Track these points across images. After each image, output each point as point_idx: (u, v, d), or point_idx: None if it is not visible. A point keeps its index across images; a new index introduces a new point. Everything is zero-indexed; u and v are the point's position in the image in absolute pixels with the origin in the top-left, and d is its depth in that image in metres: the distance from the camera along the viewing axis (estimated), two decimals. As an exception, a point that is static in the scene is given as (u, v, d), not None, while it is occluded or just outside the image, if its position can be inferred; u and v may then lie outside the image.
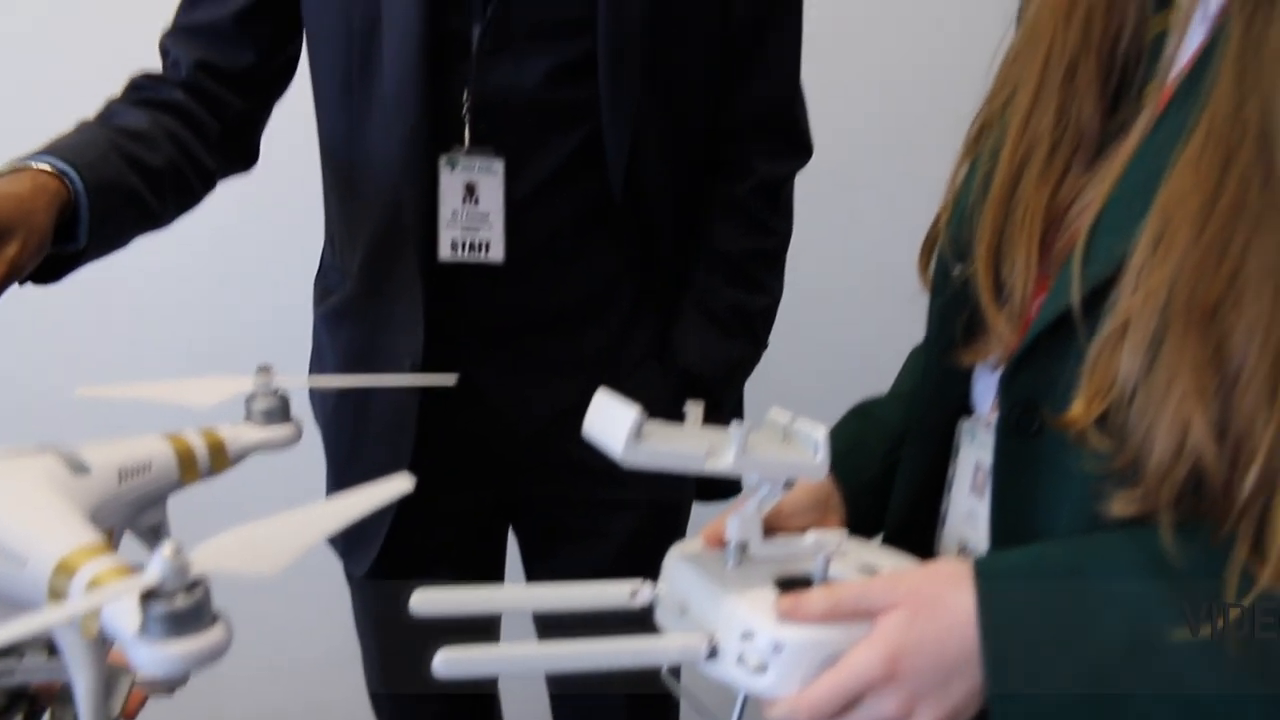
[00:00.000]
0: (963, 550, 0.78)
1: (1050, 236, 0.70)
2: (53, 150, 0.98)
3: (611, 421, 0.63)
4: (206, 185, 1.17)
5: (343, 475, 1.28)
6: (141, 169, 1.05)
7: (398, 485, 0.64)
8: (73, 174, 0.95)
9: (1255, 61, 0.59)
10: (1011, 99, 0.74)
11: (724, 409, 1.29)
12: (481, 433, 1.21)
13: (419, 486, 1.16)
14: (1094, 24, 0.70)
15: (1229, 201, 0.59)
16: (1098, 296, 0.64)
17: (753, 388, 1.34)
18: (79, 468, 0.72)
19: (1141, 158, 0.66)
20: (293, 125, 1.26)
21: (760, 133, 1.25)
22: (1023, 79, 0.73)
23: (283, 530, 0.58)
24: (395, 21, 1.10)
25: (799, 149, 1.29)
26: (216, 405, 0.81)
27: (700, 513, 1.24)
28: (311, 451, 1.21)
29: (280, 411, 0.83)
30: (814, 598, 0.65)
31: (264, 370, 0.84)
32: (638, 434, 0.62)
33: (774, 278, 1.30)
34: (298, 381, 0.87)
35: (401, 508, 1.16)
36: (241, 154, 1.23)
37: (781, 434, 0.69)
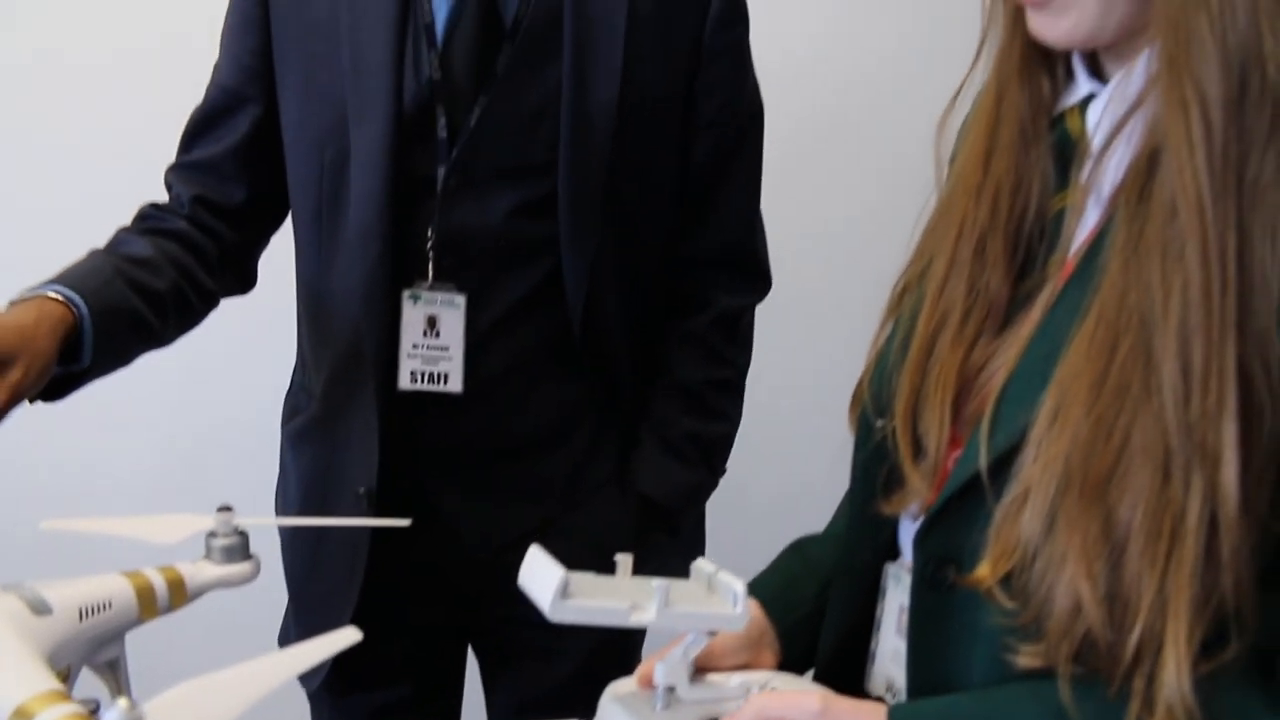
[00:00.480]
0: (890, 690, 0.82)
1: (963, 398, 0.75)
2: (61, 279, 1.06)
3: (541, 579, 0.68)
4: (207, 305, 1.24)
5: (300, 592, 1.31)
6: (145, 292, 1.12)
7: (345, 636, 0.67)
8: (78, 300, 1.03)
9: (1136, 255, 0.64)
10: (929, 267, 0.80)
11: (681, 532, 1.33)
12: (438, 557, 1.25)
13: (375, 602, 1.20)
14: (1001, 202, 0.76)
15: (1115, 382, 0.64)
16: (1003, 463, 0.69)
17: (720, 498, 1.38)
18: (40, 608, 0.75)
19: (1044, 331, 0.72)
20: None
21: (719, 268, 1.30)
22: (939, 249, 0.79)
23: (233, 683, 0.62)
24: (363, 160, 1.16)
25: (758, 281, 1.34)
26: (178, 543, 0.84)
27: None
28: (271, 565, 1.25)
29: (240, 549, 0.87)
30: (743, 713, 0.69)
31: (225, 510, 0.87)
32: (564, 593, 0.66)
33: (732, 405, 1.35)
34: (258, 520, 0.91)
35: (357, 622, 1.19)
36: (239, 278, 1.30)
37: (706, 584, 0.74)
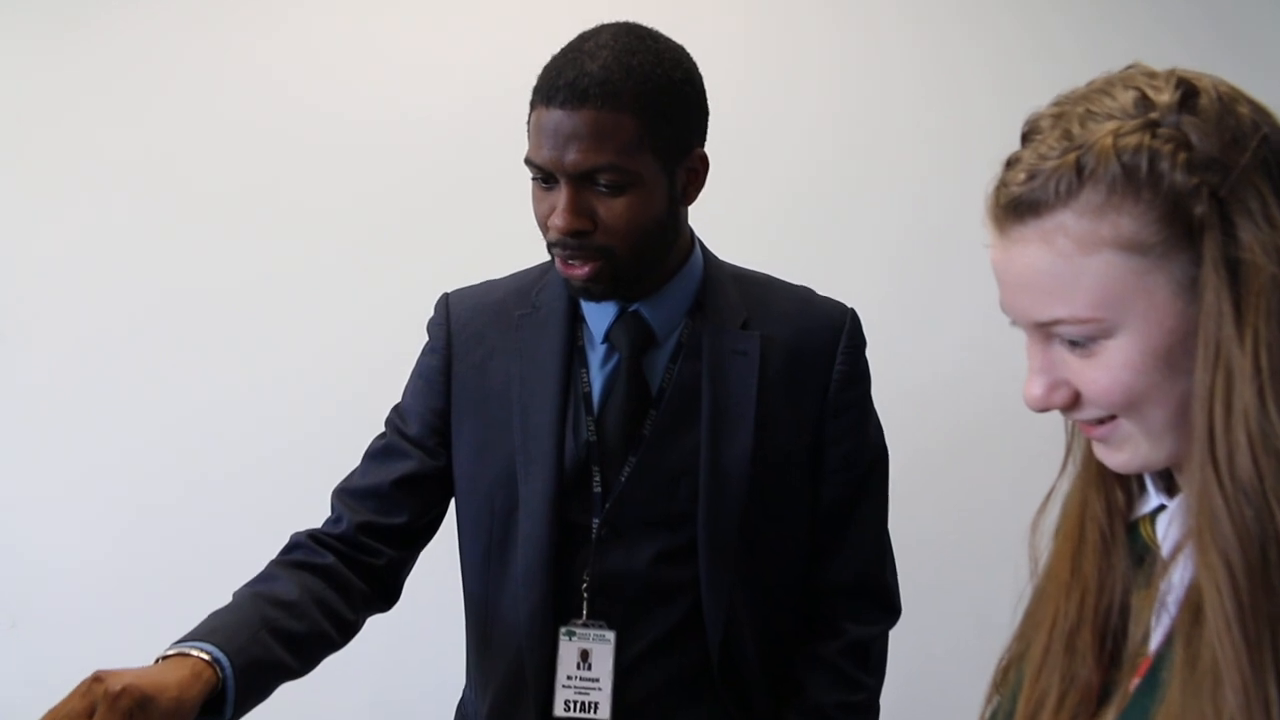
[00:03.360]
0: None
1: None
2: (212, 633, 1.17)
3: None
4: (346, 636, 1.35)
5: None
6: (287, 639, 1.23)
7: None
8: (225, 662, 1.14)
9: (1192, 679, 0.73)
10: (1027, 650, 0.89)
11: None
12: None
13: None
14: (1088, 599, 0.86)
15: None
16: None
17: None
18: None
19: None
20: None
21: (850, 597, 1.40)
22: (1035, 636, 0.89)
23: None
24: (530, 511, 1.32)
25: (887, 611, 1.44)
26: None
27: None
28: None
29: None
30: None
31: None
32: None
33: None
34: None
35: None
36: (385, 596, 1.42)
37: None
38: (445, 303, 1.44)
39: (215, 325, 2.38)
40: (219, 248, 2.38)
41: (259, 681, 1.19)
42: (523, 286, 1.42)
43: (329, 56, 2.37)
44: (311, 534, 1.39)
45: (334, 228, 2.37)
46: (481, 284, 1.46)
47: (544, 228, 1.28)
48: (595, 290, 1.29)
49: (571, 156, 1.21)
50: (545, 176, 1.25)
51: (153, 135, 2.37)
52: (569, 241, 1.25)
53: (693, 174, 1.31)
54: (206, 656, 1.13)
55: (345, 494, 1.42)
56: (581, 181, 1.23)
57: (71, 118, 2.39)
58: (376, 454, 1.43)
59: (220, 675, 1.14)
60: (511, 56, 2.16)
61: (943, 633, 2.17)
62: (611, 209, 1.24)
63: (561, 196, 1.23)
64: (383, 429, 1.45)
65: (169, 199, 2.38)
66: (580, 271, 1.26)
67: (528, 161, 1.26)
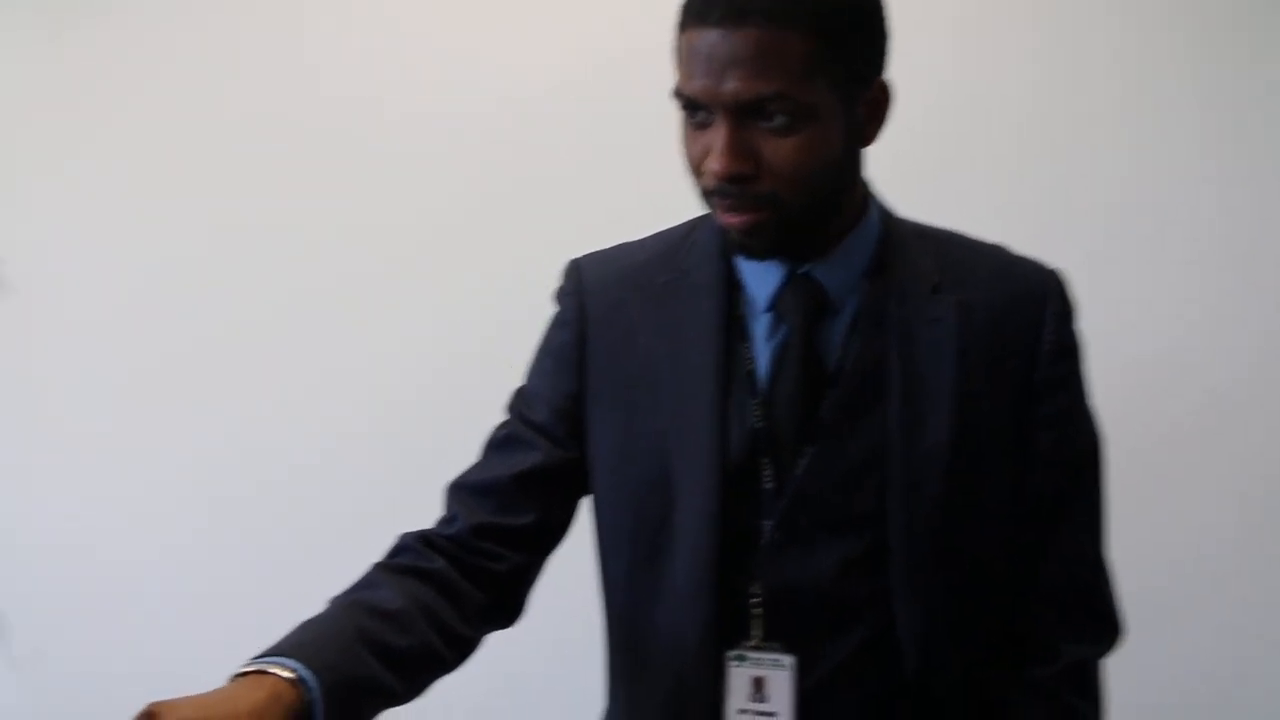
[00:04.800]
0: None
1: None
2: (297, 646, 1.00)
3: None
4: (461, 654, 1.16)
5: None
6: (387, 655, 1.05)
7: None
8: (311, 681, 0.97)
9: None
10: None
11: None
12: None
13: None
14: None
15: None
16: None
17: None
18: None
19: None
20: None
21: (1063, 610, 1.18)
22: None
23: None
24: (688, 513, 1.12)
25: (1107, 628, 1.21)
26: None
27: None
28: None
29: None
30: None
31: None
32: None
33: None
34: None
35: None
36: (507, 609, 1.23)
37: None
38: (576, 269, 1.25)
39: (296, 319, 2.30)
40: (294, 245, 2.30)
41: (353, 704, 1.01)
42: (667, 249, 1.22)
43: (398, 49, 2.27)
44: (421, 535, 1.19)
45: (412, 225, 2.27)
46: (616, 247, 1.26)
47: (696, 172, 1.08)
48: (756, 245, 1.09)
49: (731, 85, 1.01)
50: (698, 111, 1.05)
51: (221, 135, 2.30)
52: (728, 189, 1.05)
53: (874, 108, 1.10)
54: (289, 675, 0.96)
55: (461, 490, 1.22)
56: (743, 116, 1.03)
57: (148, 116, 2.32)
58: (497, 445, 1.24)
59: (305, 697, 0.96)
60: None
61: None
62: (779, 149, 1.03)
63: (719, 134, 1.03)
64: (505, 417, 1.26)
65: (239, 201, 2.30)
66: (737, 221, 1.07)
67: (677, 94, 1.06)
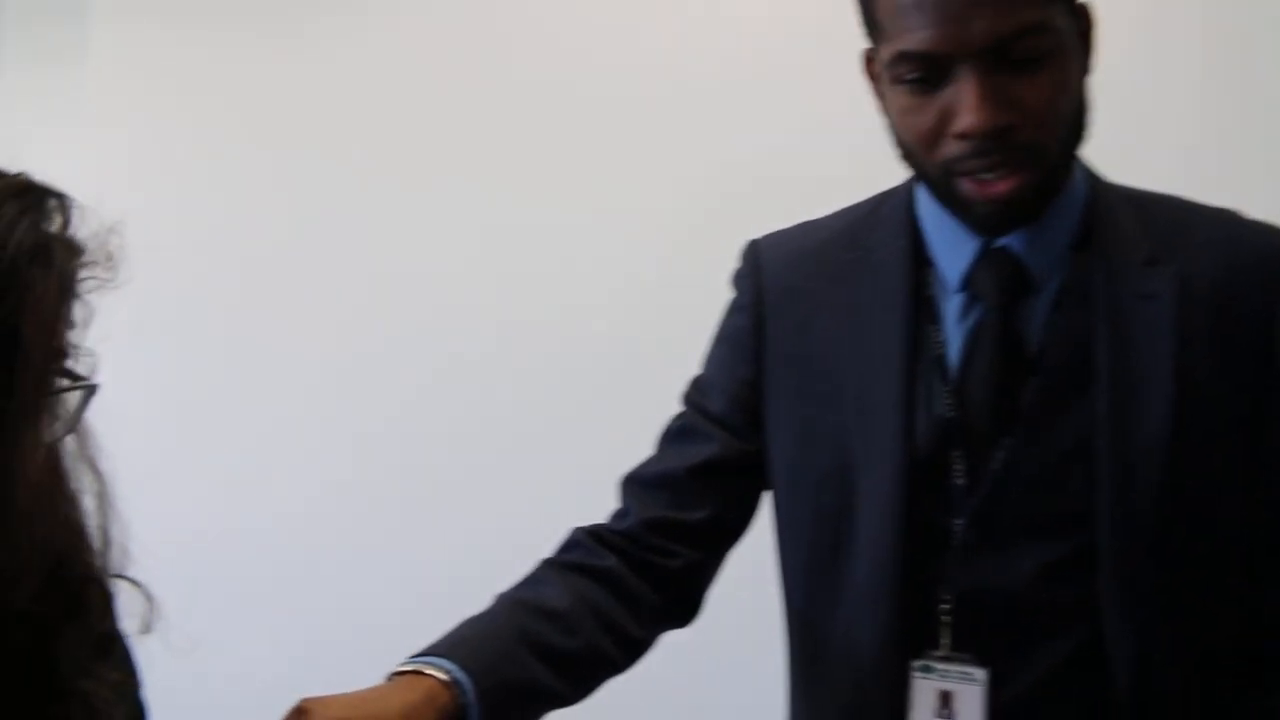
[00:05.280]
0: None
1: None
2: (455, 646, 0.97)
3: None
4: (632, 655, 1.11)
5: None
6: (550, 656, 1.01)
7: None
8: (466, 684, 0.94)
9: None
10: None
11: None
12: None
13: None
14: None
15: None
16: None
17: None
18: None
19: None
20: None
21: None
22: None
23: None
24: (870, 510, 1.04)
25: None
26: None
27: None
28: None
29: None
30: None
31: None
32: None
33: None
34: None
35: None
36: (682, 608, 1.17)
37: None
38: (754, 250, 1.17)
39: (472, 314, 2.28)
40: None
41: (511, 707, 0.97)
42: (849, 226, 1.13)
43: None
44: (593, 530, 1.14)
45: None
46: (796, 226, 1.18)
47: (929, 144, 0.98)
48: (1024, 211, 0.99)
49: (981, 24, 0.92)
50: (927, 73, 0.95)
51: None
52: (986, 146, 0.95)
53: (1086, 36, 0.99)
54: (444, 676, 0.93)
55: (635, 483, 1.17)
56: (992, 59, 0.93)
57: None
58: (672, 436, 1.18)
59: (460, 700, 0.93)
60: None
61: None
62: (1036, 90, 0.94)
63: (966, 88, 0.93)
64: (681, 407, 1.19)
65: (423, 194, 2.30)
66: (1003, 187, 0.96)
67: (901, 57, 0.96)
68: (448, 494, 2.26)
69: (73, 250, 0.75)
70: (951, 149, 0.96)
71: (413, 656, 0.96)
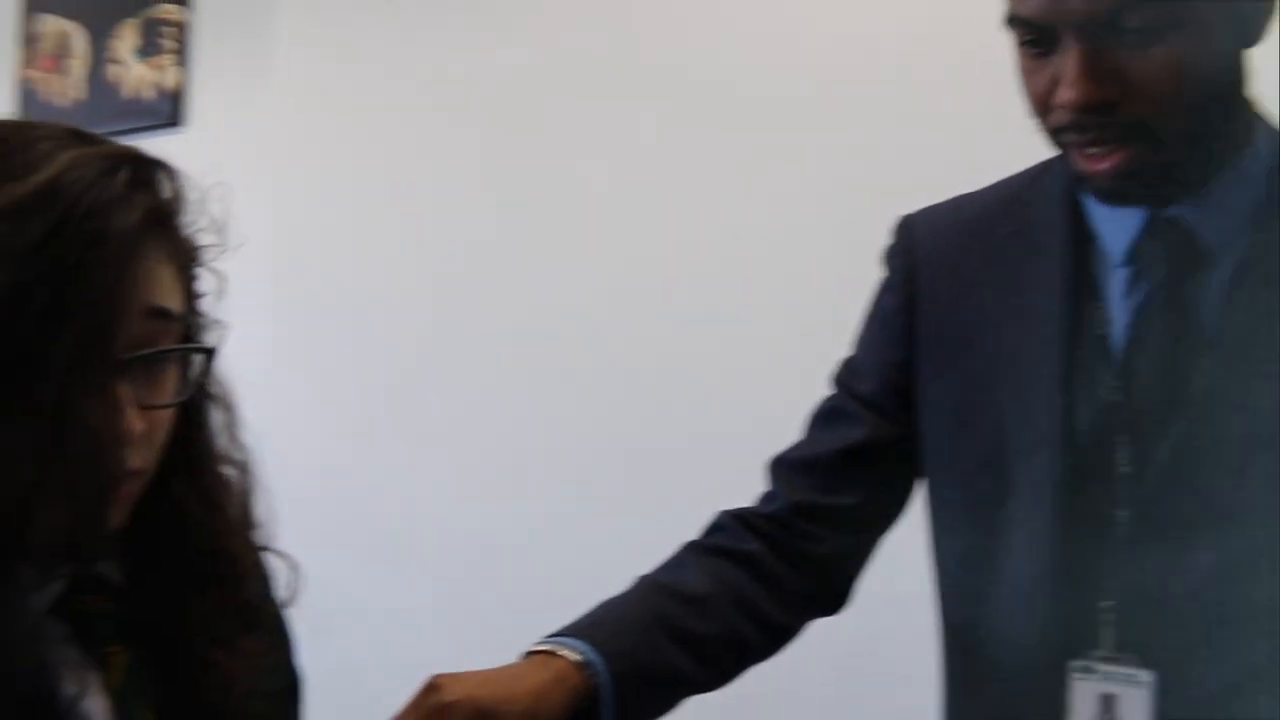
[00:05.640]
0: None
1: None
2: (591, 628, 0.97)
3: None
4: (776, 641, 1.09)
5: None
6: (688, 641, 1.01)
7: None
8: (599, 665, 0.93)
9: None
10: None
11: None
12: None
13: None
14: None
15: None
16: None
17: None
18: None
19: None
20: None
21: None
22: None
23: None
24: (1028, 499, 0.98)
25: None
26: None
27: None
28: None
29: None
30: None
31: None
32: None
33: None
34: None
35: None
36: (829, 595, 1.14)
37: None
38: (906, 226, 1.13)
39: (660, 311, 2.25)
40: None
41: (647, 693, 0.97)
42: (1008, 198, 1.07)
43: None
44: (738, 513, 1.13)
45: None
46: (949, 200, 1.12)
47: (1042, 109, 0.93)
48: (1129, 190, 0.93)
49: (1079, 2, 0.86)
50: (1038, 37, 0.90)
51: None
52: (1086, 121, 0.89)
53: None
54: (577, 657, 0.93)
55: (783, 466, 1.15)
56: (1099, 32, 0.87)
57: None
58: (821, 418, 1.15)
59: (592, 681, 0.93)
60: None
61: None
62: (1146, 66, 0.87)
63: (1069, 58, 0.88)
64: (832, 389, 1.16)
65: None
66: (1106, 164, 0.90)
67: (1011, 21, 0.92)
68: (614, 486, 2.27)
69: (181, 217, 0.77)
70: (1058, 115, 0.91)
71: (547, 637, 0.97)
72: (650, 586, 1.05)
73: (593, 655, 0.94)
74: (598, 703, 0.93)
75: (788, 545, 1.09)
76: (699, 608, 1.02)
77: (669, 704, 1.01)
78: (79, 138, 0.74)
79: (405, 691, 0.91)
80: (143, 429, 0.72)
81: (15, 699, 0.69)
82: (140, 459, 0.74)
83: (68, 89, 2.89)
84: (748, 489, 1.16)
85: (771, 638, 1.08)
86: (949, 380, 1.06)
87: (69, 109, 2.83)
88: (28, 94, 2.96)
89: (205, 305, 0.80)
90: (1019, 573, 0.98)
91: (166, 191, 0.76)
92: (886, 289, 1.13)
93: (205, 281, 0.79)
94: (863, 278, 1.17)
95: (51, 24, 2.95)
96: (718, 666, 1.04)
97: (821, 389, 1.17)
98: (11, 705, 0.69)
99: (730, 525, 1.12)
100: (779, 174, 2.14)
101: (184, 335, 0.77)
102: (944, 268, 1.08)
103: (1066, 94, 0.89)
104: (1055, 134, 0.93)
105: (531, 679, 0.91)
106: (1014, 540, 0.99)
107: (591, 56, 2.29)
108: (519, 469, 2.33)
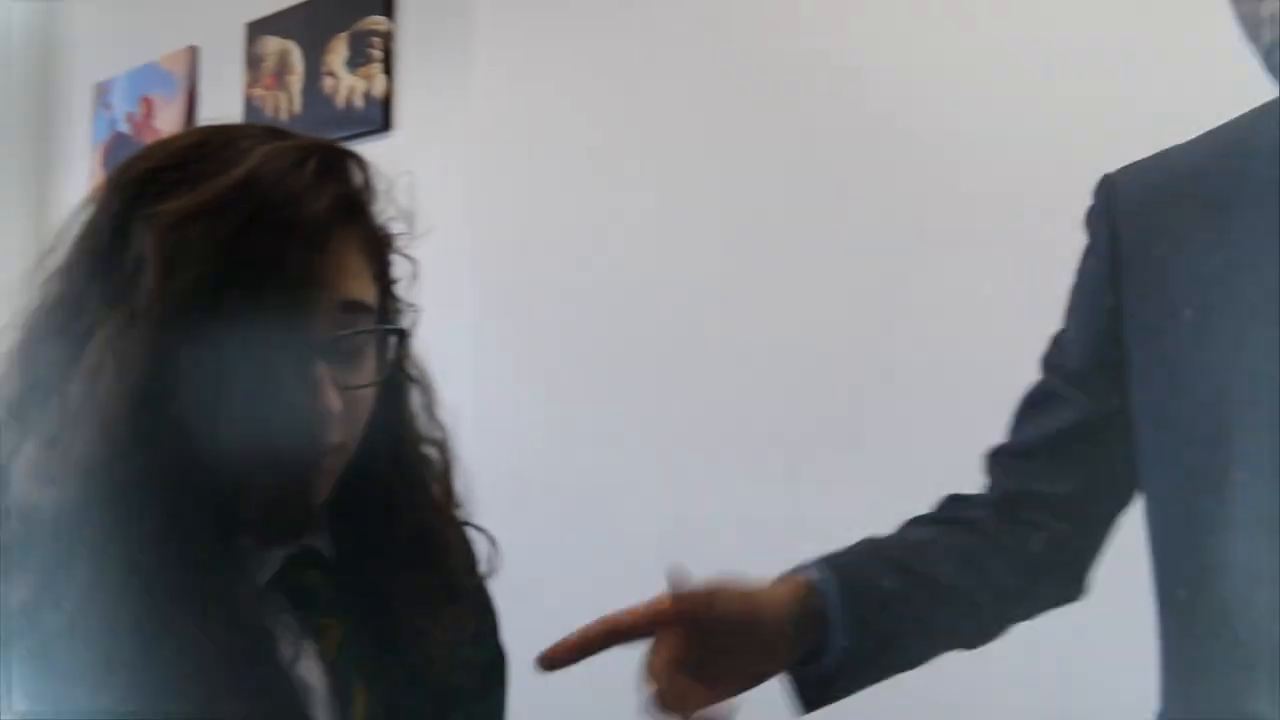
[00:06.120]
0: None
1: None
2: (828, 558, 1.00)
3: None
4: (1011, 606, 1.07)
5: None
6: (908, 573, 1.01)
7: None
8: (830, 581, 0.97)
9: None
10: None
11: None
12: None
13: None
14: None
15: None
16: None
17: None
18: None
19: None
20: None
21: None
22: None
23: None
24: (1253, 473, 0.90)
25: None
26: None
27: None
28: None
29: None
30: None
31: None
32: None
33: None
34: None
35: None
36: (1056, 587, 1.09)
37: None
38: (1108, 185, 1.06)
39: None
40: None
41: (874, 614, 0.98)
42: (1222, 147, 1.00)
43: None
44: (959, 495, 1.11)
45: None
46: (1155, 155, 1.05)
47: (1253, 28, 0.86)
48: None
49: None
50: None
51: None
52: None
53: None
54: (809, 577, 0.98)
55: (999, 455, 1.11)
56: None
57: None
58: (1033, 402, 1.10)
59: (819, 590, 0.97)
60: None
61: None
62: None
63: None
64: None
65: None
66: None
67: None
68: (819, 473, 2.24)
69: (371, 205, 0.80)
70: (1272, 32, 0.84)
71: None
72: (868, 541, 1.07)
73: (827, 571, 0.98)
74: (826, 616, 0.96)
75: (1008, 534, 1.07)
76: (918, 550, 1.04)
77: (898, 629, 1.01)
78: (274, 134, 0.78)
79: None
80: (341, 407, 0.75)
81: (239, 660, 0.74)
82: (340, 434, 0.77)
83: (289, 103, 3.07)
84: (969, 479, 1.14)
85: (1003, 599, 1.06)
86: (1161, 350, 0.99)
87: (289, 122, 3.00)
88: (254, 111, 3.15)
89: (400, 290, 0.83)
90: (1244, 554, 0.91)
91: (357, 180, 0.79)
92: (1089, 253, 1.07)
93: (399, 268, 0.82)
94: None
95: (273, 44, 3.13)
96: (945, 608, 1.03)
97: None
98: (237, 667, 0.73)
99: (954, 503, 1.11)
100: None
101: (380, 319, 0.80)
102: (1151, 226, 1.01)
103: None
104: (1268, 55, 0.87)
105: (772, 590, 0.96)
106: (1237, 519, 0.91)
107: (789, 64, 2.28)
108: (714, 453, 2.34)
